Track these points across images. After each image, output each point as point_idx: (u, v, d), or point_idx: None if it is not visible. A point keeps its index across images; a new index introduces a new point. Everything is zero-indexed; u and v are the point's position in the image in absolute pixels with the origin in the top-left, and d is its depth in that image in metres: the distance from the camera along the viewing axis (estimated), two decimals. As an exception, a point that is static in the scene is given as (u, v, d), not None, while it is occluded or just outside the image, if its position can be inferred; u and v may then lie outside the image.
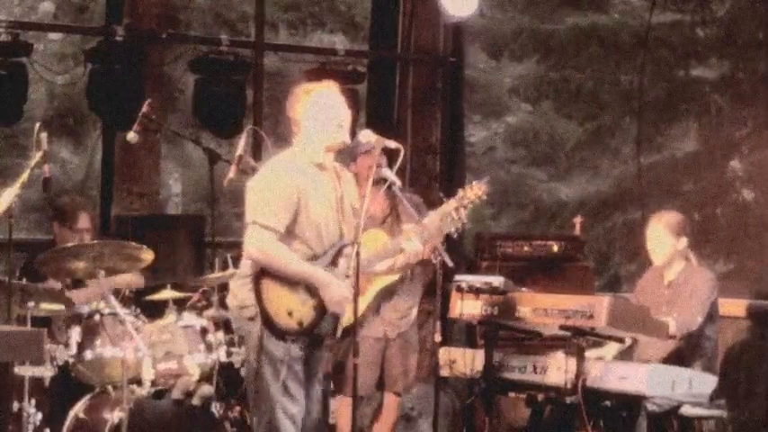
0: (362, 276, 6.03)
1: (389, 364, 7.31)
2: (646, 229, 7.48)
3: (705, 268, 7.59)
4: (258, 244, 5.86)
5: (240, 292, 5.99)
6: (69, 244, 7.15)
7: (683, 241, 7.36)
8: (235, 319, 6.12)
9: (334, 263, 6.00)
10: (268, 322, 5.86)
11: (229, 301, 6.10)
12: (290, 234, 5.91)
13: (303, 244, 5.93)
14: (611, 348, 7.33)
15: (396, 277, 7.15)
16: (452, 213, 6.38)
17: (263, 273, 5.88)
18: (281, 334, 5.88)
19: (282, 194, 5.89)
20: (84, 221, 7.65)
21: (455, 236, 6.61)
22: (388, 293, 7.21)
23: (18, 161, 8.89)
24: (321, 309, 5.94)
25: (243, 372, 7.27)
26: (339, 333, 6.11)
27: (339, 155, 6.21)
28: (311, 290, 5.93)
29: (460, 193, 6.44)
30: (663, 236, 7.35)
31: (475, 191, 6.44)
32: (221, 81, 9.12)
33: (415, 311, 7.36)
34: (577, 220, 9.21)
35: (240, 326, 6.07)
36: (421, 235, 6.29)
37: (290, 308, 5.89)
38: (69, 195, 8.53)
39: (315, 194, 5.96)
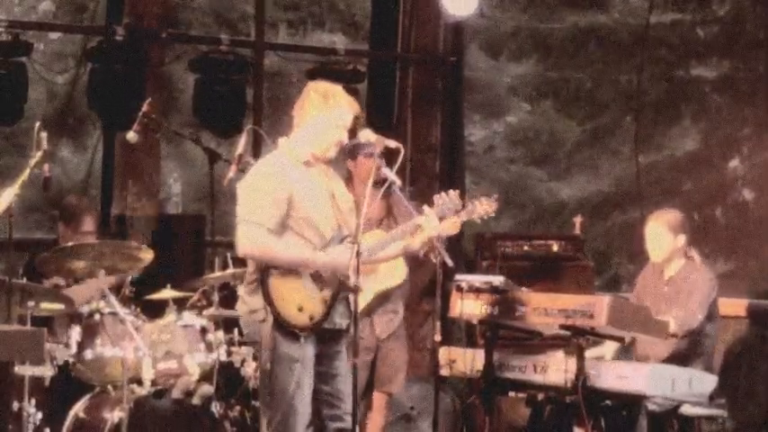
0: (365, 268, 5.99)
1: (381, 363, 7.31)
2: (644, 228, 7.49)
3: (705, 267, 7.60)
4: (248, 239, 5.86)
5: (249, 299, 5.97)
6: (70, 243, 7.16)
7: (682, 238, 7.38)
8: (246, 325, 6.07)
9: None
10: (279, 322, 5.84)
11: (239, 308, 6.07)
12: (285, 229, 5.90)
13: (300, 237, 5.92)
14: (610, 347, 7.33)
15: (398, 281, 7.15)
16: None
17: (268, 273, 5.86)
18: (293, 332, 5.85)
19: (271, 192, 5.89)
20: (88, 224, 7.68)
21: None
22: (385, 297, 7.21)
23: (18, 161, 8.88)
24: (330, 301, 5.94)
25: (243, 371, 7.28)
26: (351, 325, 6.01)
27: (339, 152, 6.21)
28: (318, 283, 5.92)
29: (470, 206, 6.42)
30: (661, 233, 7.37)
31: (485, 207, 6.43)
32: (221, 81, 9.12)
33: (402, 310, 7.37)
34: (577, 219, 9.22)
35: (252, 331, 6.00)
36: (438, 211, 6.22)
37: (300, 303, 5.87)
38: (76, 196, 8.51)
39: (306, 190, 5.96)
